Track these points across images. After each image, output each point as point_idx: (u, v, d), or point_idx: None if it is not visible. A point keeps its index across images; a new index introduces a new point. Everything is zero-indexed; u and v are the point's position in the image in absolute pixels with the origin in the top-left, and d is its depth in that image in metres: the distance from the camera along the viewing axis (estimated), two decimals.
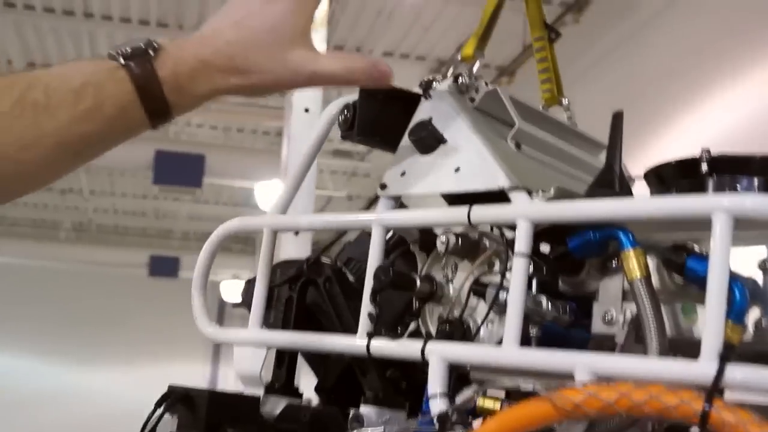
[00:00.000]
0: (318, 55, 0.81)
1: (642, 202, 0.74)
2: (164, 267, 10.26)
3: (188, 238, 11.23)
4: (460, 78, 0.92)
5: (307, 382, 1.05)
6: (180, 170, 6.83)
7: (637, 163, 0.88)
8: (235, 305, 1.08)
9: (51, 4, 5.70)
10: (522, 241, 0.76)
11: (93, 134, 0.74)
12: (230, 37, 0.79)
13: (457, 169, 0.86)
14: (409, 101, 0.91)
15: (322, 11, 3.40)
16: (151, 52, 0.76)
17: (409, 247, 0.93)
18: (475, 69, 0.95)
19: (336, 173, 8.57)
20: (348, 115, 0.93)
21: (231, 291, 9.72)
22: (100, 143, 0.75)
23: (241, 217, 0.99)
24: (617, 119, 0.81)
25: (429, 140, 0.87)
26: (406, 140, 0.89)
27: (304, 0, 0.81)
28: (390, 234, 0.93)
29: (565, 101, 1.10)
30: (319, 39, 3.39)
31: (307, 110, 3.52)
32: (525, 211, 0.78)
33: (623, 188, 0.79)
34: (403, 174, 0.90)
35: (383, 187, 0.90)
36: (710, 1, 4.15)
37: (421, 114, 0.90)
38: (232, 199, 9.64)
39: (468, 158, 0.85)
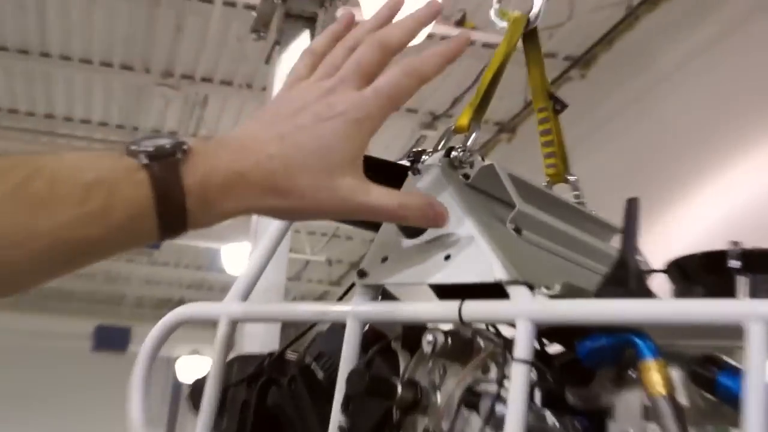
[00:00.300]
0: (369, 187, 0.78)
1: (662, 305, 0.71)
2: (112, 338, 10.11)
3: (142, 305, 11.11)
4: (453, 151, 0.91)
5: None
6: None
7: (648, 238, 0.86)
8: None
9: (5, 42, 5.72)
10: (522, 344, 0.74)
11: (92, 241, 0.69)
12: (273, 151, 0.75)
13: (448, 257, 0.83)
14: (395, 174, 0.90)
15: None
16: (179, 155, 0.72)
17: (390, 342, 0.90)
18: (470, 142, 0.94)
19: (314, 234, 8.54)
20: None
21: (189, 369, 9.55)
22: (96, 252, 0.70)
23: (195, 304, 0.96)
24: (632, 206, 0.78)
25: None
26: None
27: (361, 123, 0.78)
28: (367, 326, 0.90)
29: (572, 179, 1.08)
30: None
31: None
32: (526, 310, 0.75)
33: (640, 286, 0.76)
34: (385, 260, 0.88)
35: (362, 274, 0.88)
36: (728, 59, 4.20)
37: (408, 190, 0.89)
38: (195, 261, 9.57)
39: (460, 244, 0.83)
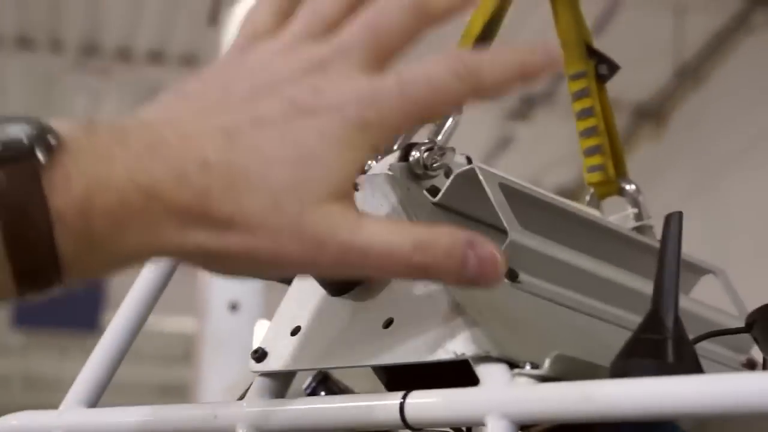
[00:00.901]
0: (362, 219, 0.58)
1: (720, 386, 0.59)
2: None
3: None
4: (414, 151, 0.76)
5: None
6: None
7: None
8: None
9: None
10: None
11: None
12: (210, 154, 0.55)
13: (389, 323, 0.71)
14: None
15: None
16: (40, 155, 0.53)
17: None
18: (443, 135, 0.80)
19: None
20: None
21: None
22: None
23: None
24: (673, 223, 0.66)
25: None
26: None
27: (368, 129, 0.58)
28: None
29: (629, 188, 0.93)
30: None
31: None
32: (497, 403, 0.64)
33: (682, 352, 0.65)
34: (296, 331, 0.75)
35: (260, 356, 0.75)
36: None
37: None
38: None
39: (408, 302, 0.71)
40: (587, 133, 0.92)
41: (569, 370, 0.64)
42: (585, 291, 0.79)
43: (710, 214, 4.65)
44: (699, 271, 0.91)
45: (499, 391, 0.65)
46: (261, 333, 0.88)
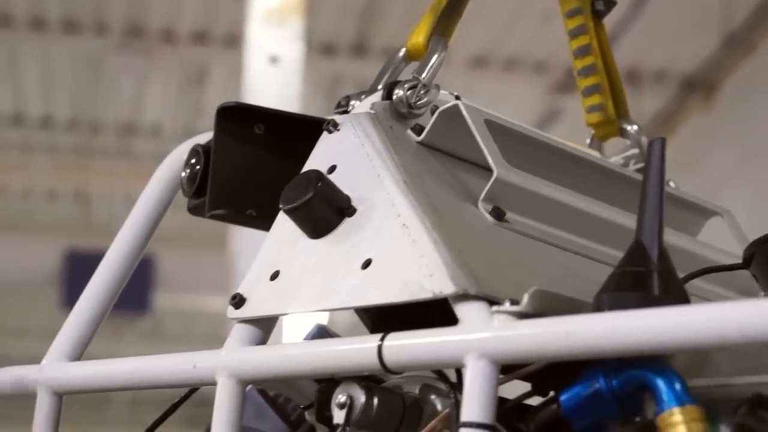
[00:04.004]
0: None
1: (702, 315, 0.57)
2: None
3: None
4: (397, 89, 0.76)
5: None
6: None
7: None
8: None
9: None
10: (476, 397, 0.62)
11: None
12: None
13: (367, 264, 0.69)
14: (304, 133, 0.80)
15: None
16: None
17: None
18: (427, 72, 0.77)
19: None
20: (197, 170, 0.81)
21: None
22: None
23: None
24: (655, 150, 0.64)
25: (318, 210, 0.72)
26: (282, 214, 0.74)
27: None
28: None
29: (631, 128, 0.90)
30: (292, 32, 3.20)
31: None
32: (475, 342, 0.63)
33: (668, 285, 0.62)
34: (275, 275, 0.73)
35: (238, 302, 0.73)
36: None
37: (317, 160, 0.77)
38: None
39: (389, 243, 0.69)
40: (585, 72, 0.89)
41: (550, 306, 0.62)
42: (572, 228, 0.76)
43: (759, 189, 4.55)
44: (705, 212, 0.88)
45: (477, 330, 0.62)
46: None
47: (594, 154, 0.87)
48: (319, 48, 4.52)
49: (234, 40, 4.99)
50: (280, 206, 0.72)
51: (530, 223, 0.74)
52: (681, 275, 0.66)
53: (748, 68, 4.93)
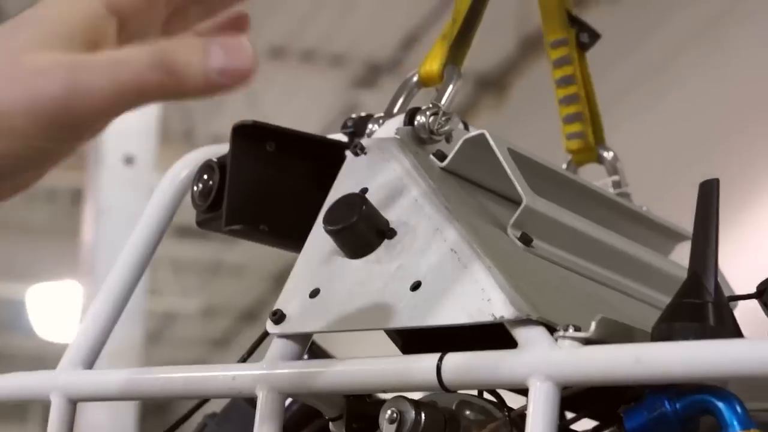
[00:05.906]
0: (86, 58, 0.54)
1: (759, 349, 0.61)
2: None
3: None
4: (419, 116, 0.78)
5: None
6: None
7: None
8: None
9: None
10: (539, 420, 0.64)
11: None
12: None
13: (416, 286, 0.71)
14: (324, 157, 0.83)
15: None
16: None
17: (326, 424, 0.79)
18: (446, 99, 0.81)
19: (182, 268, 7.09)
20: (210, 185, 0.82)
21: None
22: None
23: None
24: (708, 190, 0.67)
25: (361, 232, 0.74)
26: (319, 232, 0.76)
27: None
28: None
29: (608, 155, 0.94)
30: None
31: (129, 161, 2.87)
32: (544, 365, 0.65)
33: (723, 320, 0.66)
34: (315, 293, 0.75)
35: (278, 318, 0.75)
36: None
37: (346, 183, 0.78)
38: None
39: (438, 267, 0.71)
40: (567, 101, 0.94)
41: (611, 334, 0.64)
42: (591, 257, 0.80)
43: None
44: (677, 237, 0.94)
45: (545, 353, 0.65)
46: None
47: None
48: None
49: None
50: (325, 225, 0.74)
51: (555, 250, 0.77)
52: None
53: (539, 70, 5.07)
